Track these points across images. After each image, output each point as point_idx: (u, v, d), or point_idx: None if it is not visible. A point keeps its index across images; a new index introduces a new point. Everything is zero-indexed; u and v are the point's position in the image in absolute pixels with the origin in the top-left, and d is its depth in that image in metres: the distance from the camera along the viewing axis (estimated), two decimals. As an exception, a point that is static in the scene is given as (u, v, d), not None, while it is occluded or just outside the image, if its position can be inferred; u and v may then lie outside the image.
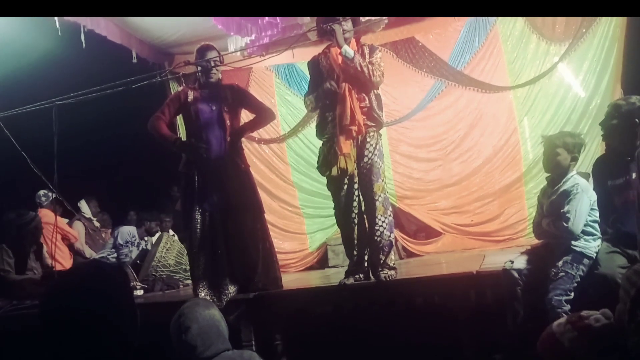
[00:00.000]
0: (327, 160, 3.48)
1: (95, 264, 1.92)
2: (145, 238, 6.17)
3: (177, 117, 4.18)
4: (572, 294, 2.83)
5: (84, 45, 4.82)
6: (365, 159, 3.46)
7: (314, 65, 3.66)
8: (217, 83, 3.91)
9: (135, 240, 5.63)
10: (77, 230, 6.17)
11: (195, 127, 3.84)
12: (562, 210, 2.95)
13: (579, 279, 2.87)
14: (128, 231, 5.63)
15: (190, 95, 3.86)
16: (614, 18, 4.97)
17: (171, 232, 6.14)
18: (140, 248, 5.77)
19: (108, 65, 5.01)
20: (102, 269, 1.43)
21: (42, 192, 5.77)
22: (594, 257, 2.92)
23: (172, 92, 6.08)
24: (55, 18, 4.42)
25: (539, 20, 5.32)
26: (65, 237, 5.85)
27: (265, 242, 3.88)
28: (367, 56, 3.48)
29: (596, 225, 2.99)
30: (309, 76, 3.78)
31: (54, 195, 5.56)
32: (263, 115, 4.00)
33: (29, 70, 5.26)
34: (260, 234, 3.86)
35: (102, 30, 5.00)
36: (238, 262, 3.77)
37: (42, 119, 3.82)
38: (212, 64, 3.82)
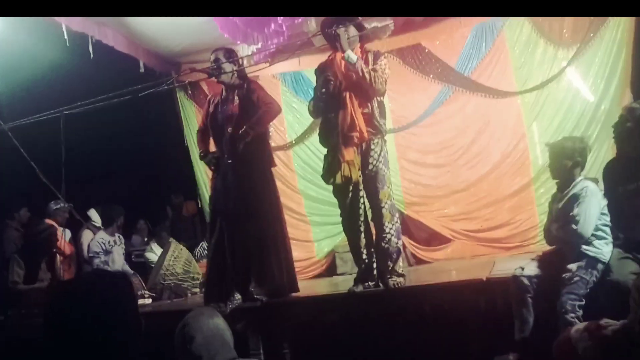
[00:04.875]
0: (331, 168, 3.48)
1: (99, 272, 1.92)
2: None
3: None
4: (584, 300, 2.79)
5: (91, 55, 4.87)
6: (370, 167, 3.44)
7: (320, 71, 3.66)
8: (231, 83, 3.90)
9: (110, 245, 5.55)
10: (86, 239, 6.18)
11: (212, 130, 3.95)
12: (571, 214, 2.93)
13: (592, 285, 2.83)
14: (97, 242, 5.51)
15: (213, 99, 4.01)
16: (622, 22, 4.92)
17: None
18: (121, 245, 5.73)
19: (115, 75, 5.02)
20: (105, 277, 1.43)
21: (53, 202, 5.77)
22: (607, 263, 2.88)
23: (179, 101, 6.16)
24: (63, 29, 4.45)
25: (546, 25, 5.28)
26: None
27: (279, 246, 3.86)
28: (370, 63, 3.46)
29: (607, 229, 2.95)
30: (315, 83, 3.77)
31: (61, 205, 5.58)
32: (267, 108, 3.84)
33: (37, 80, 5.29)
34: (274, 239, 3.83)
35: (109, 40, 5.04)
36: (251, 267, 3.76)
37: (50, 128, 3.85)
38: (221, 69, 3.83)
